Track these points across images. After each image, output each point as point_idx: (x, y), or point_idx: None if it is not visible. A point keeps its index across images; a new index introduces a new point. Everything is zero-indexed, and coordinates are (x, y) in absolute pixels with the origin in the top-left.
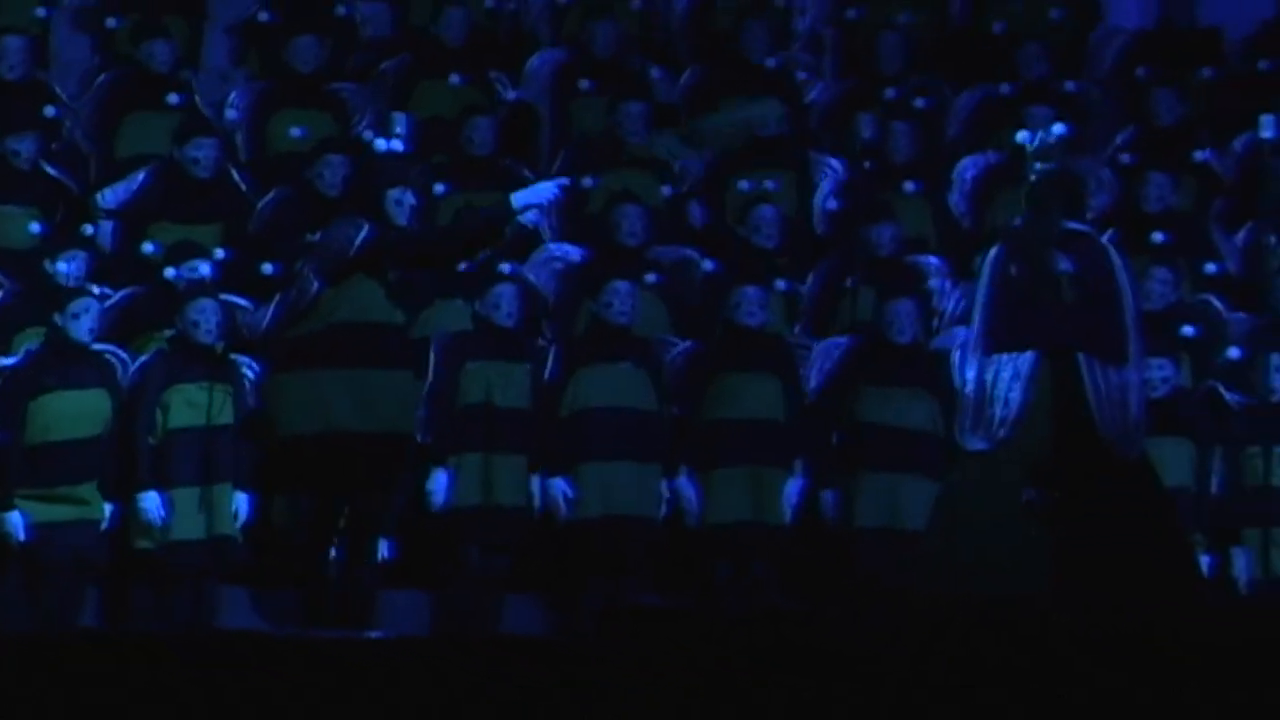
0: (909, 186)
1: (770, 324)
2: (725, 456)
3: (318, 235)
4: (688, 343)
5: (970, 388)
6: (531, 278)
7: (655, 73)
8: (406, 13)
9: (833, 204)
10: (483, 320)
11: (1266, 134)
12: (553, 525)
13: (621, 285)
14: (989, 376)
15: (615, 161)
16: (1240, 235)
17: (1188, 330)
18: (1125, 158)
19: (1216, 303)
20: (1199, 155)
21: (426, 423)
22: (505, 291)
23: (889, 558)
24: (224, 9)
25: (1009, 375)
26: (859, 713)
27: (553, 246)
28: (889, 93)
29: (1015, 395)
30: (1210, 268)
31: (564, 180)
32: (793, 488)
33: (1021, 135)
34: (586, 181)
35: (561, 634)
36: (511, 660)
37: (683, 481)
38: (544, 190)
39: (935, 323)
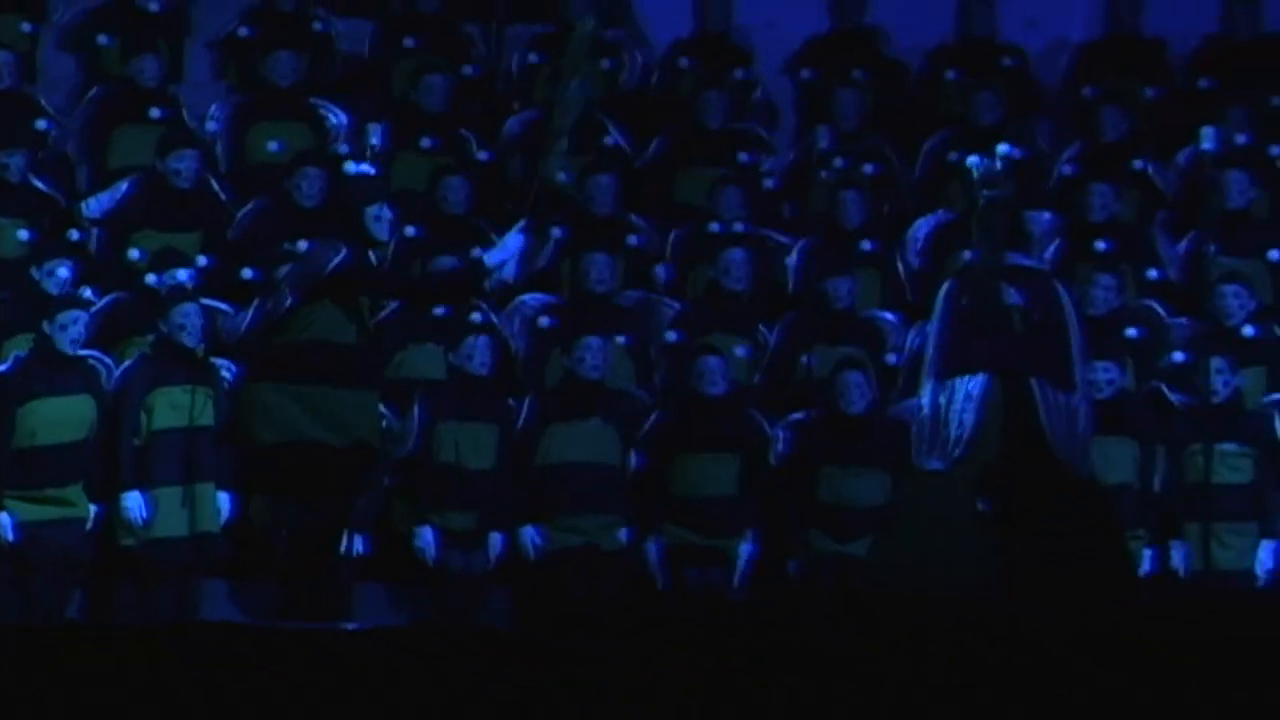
0: (865, 245)
1: (731, 391)
2: (687, 526)
3: (300, 249)
4: (655, 415)
5: (926, 412)
6: (504, 327)
7: (619, 138)
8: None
9: (794, 260)
10: (456, 371)
11: (1207, 146)
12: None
13: (593, 341)
14: (943, 400)
15: (582, 219)
16: (1182, 245)
17: (1131, 333)
18: (1068, 169)
19: (1159, 308)
20: (1140, 166)
21: (417, 482)
22: (479, 342)
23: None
24: (206, 25)
25: (961, 398)
26: (814, 705)
27: (526, 298)
28: (838, 161)
29: (969, 417)
30: (1153, 274)
31: (523, 223)
32: (745, 555)
33: (970, 160)
34: (555, 233)
35: (530, 628)
36: (483, 652)
37: (649, 546)
38: (511, 243)
39: (899, 380)
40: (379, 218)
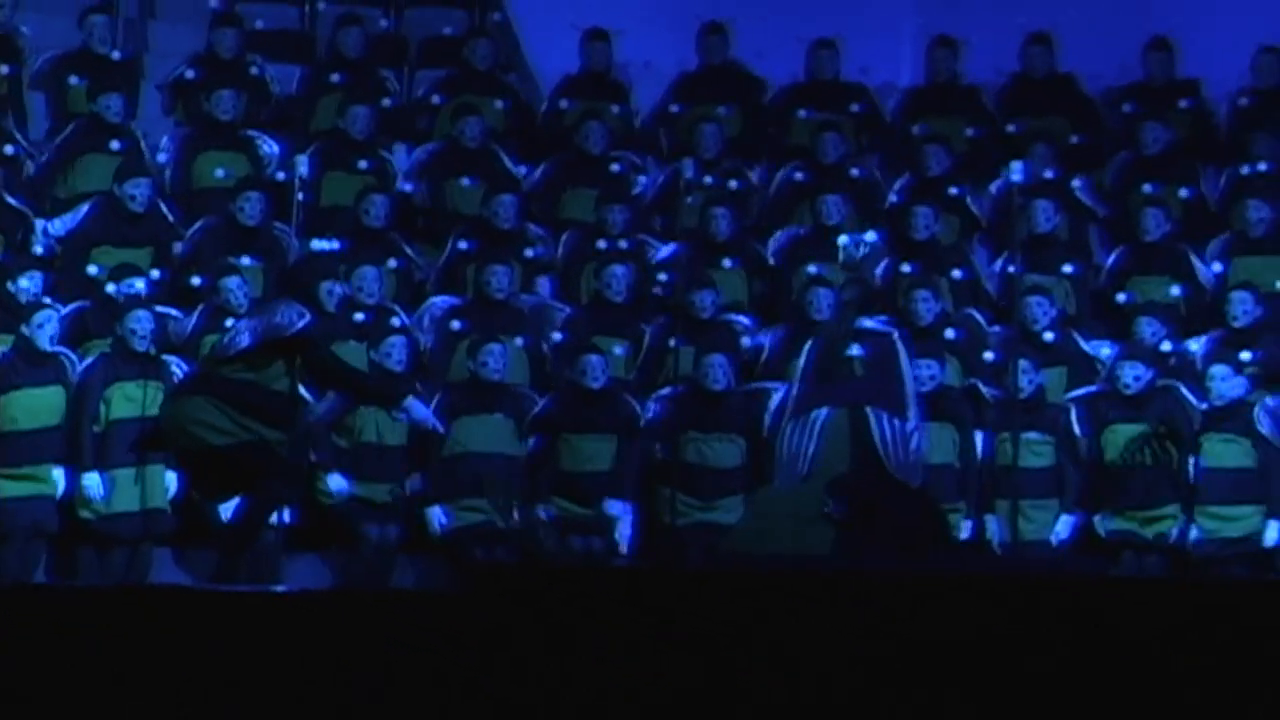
0: (727, 263)
1: (610, 384)
2: (571, 499)
3: (244, 263)
4: (544, 400)
5: (781, 444)
6: (415, 324)
7: (513, 162)
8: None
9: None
10: (376, 365)
11: (1015, 178)
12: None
13: (495, 347)
14: (794, 433)
15: (486, 234)
16: (997, 264)
17: (950, 335)
18: (895, 197)
19: (977, 315)
20: (958, 193)
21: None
22: (396, 342)
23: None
24: (157, 68)
25: (811, 427)
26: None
27: (436, 300)
28: (707, 179)
29: (808, 445)
30: (958, 273)
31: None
32: (625, 520)
33: (843, 239)
34: (462, 245)
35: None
36: (397, 611)
37: (539, 511)
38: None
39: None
40: (331, 291)
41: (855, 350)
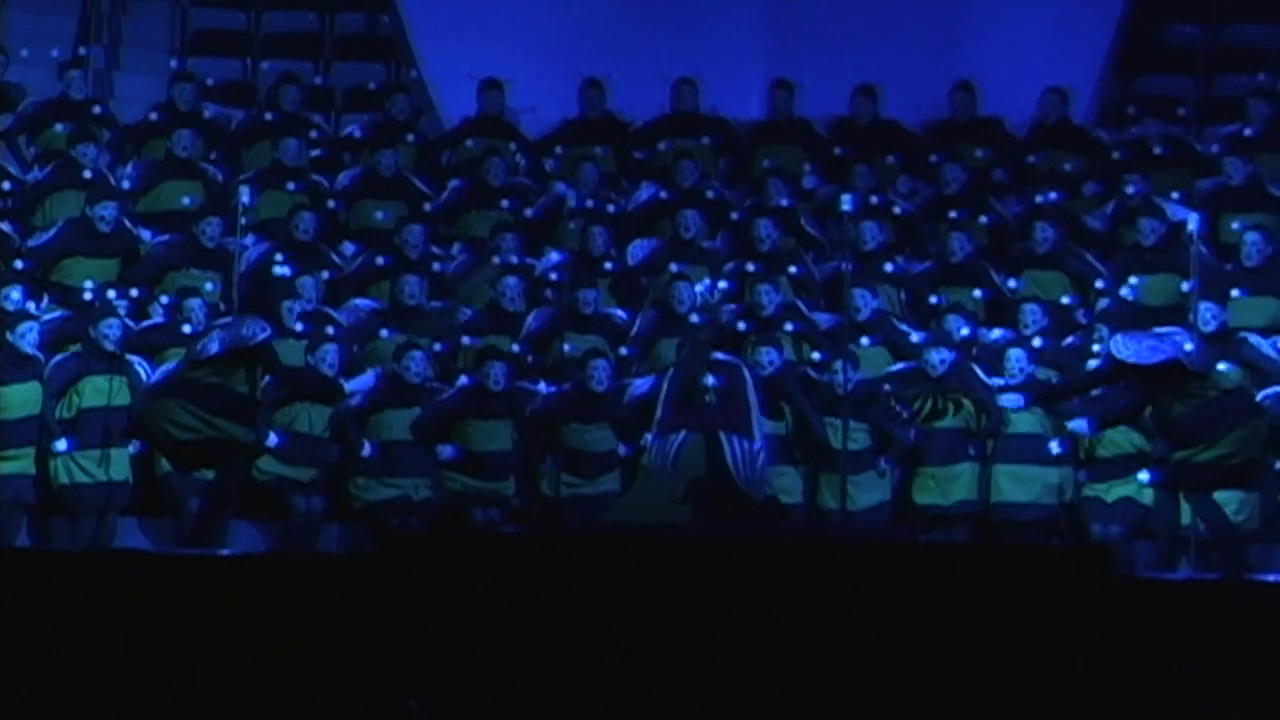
0: (607, 266)
1: (511, 385)
2: (472, 475)
3: (202, 277)
4: (452, 391)
5: (650, 445)
6: (342, 318)
7: (423, 185)
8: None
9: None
10: (312, 367)
11: (846, 208)
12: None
13: (417, 354)
14: (660, 452)
15: (400, 254)
16: (826, 266)
17: (788, 327)
18: (737, 215)
19: (802, 307)
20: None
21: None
22: (330, 348)
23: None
24: (123, 111)
25: (669, 449)
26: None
27: (359, 301)
28: (589, 203)
29: (667, 462)
30: (795, 270)
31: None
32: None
33: (699, 286)
34: (379, 260)
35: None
36: (319, 571)
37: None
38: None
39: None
40: (290, 309)
41: (710, 380)
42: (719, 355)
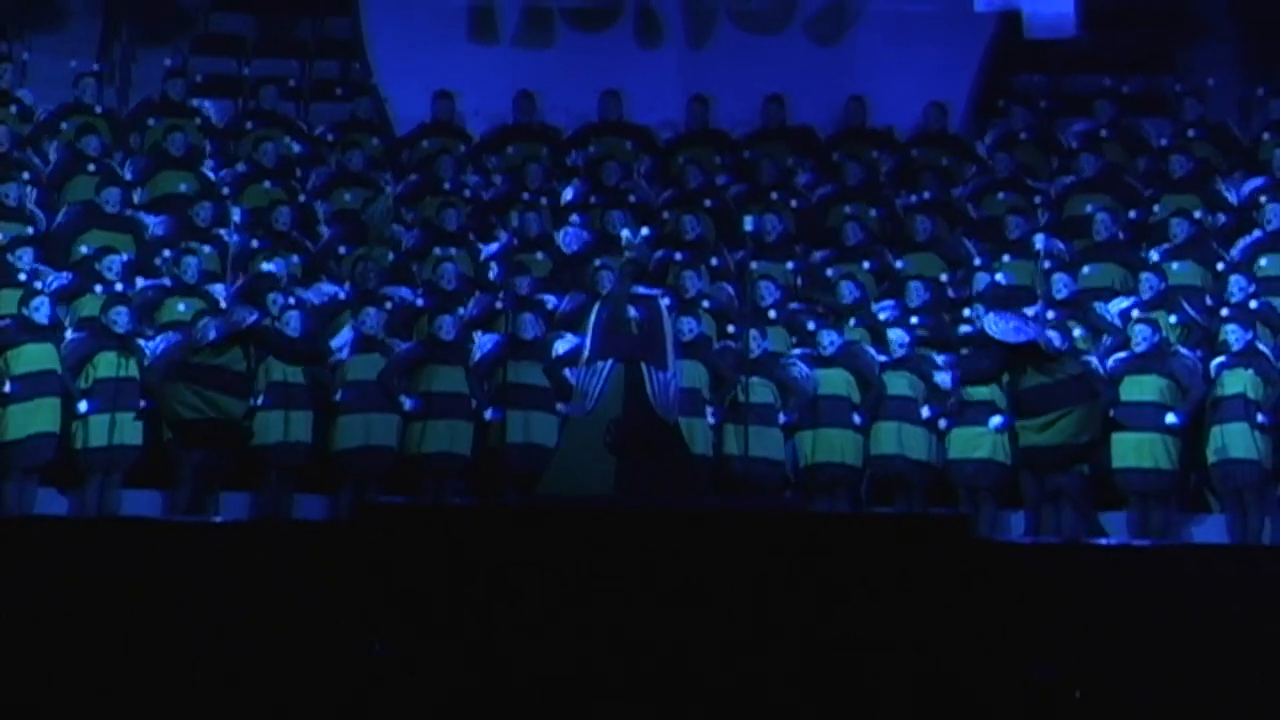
0: (539, 255)
1: (456, 337)
2: (434, 413)
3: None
4: (410, 344)
5: (576, 381)
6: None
7: (389, 180)
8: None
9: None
10: (304, 338)
11: (747, 227)
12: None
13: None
14: (586, 375)
15: (364, 240)
16: (738, 254)
17: (706, 304)
18: (668, 214)
19: (729, 288)
20: (711, 204)
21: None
22: (293, 315)
23: (529, 461)
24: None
25: (597, 374)
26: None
27: (308, 293)
28: (525, 195)
29: (597, 386)
30: (719, 259)
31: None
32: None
33: (624, 232)
34: (342, 250)
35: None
36: (298, 537)
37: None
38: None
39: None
40: (275, 300)
41: (633, 313)
42: (639, 289)
